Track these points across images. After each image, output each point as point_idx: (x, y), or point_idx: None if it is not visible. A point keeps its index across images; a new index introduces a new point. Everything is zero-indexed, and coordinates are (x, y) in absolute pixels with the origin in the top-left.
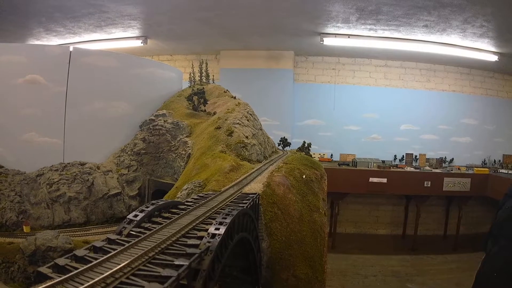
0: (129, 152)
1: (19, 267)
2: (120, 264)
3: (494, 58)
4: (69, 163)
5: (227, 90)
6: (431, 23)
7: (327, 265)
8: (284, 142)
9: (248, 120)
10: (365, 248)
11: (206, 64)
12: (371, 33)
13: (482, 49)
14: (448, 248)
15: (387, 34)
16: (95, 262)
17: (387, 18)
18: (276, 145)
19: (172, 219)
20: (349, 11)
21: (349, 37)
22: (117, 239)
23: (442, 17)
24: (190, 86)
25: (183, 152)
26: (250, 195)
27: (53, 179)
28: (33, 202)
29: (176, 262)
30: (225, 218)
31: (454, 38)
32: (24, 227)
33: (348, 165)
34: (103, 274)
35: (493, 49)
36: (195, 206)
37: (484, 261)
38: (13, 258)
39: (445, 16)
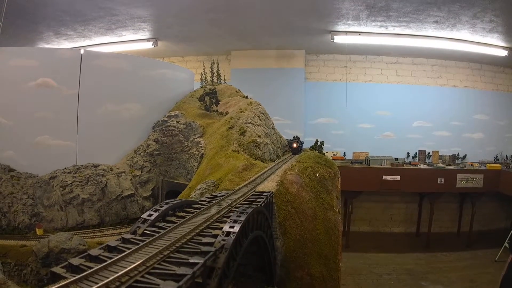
0: (142, 154)
1: (32, 269)
2: (134, 263)
3: (504, 53)
4: (82, 165)
5: (238, 90)
6: (441, 19)
7: (342, 264)
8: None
9: (260, 120)
10: (379, 247)
11: (217, 64)
12: (382, 30)
13: (492, 44)
14: (462, 245)
15: (397, 30)
16: (109, 261)
17: (397, 14)
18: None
19: (186, 218)
20: (359, 8)
21: (359, 34)
22: (132, 238)
23: (451, 12)
24: (201, 87)
25: (196, 152)
26: (264, 194)
27: (66, 181)
28: (46, 205)
29: (191, 260)
30: (240, 216)
31: (464, 33)
32: (37, 229)
33: (361, 163)
34: (117, 273)
35: (502, 44)
36: (209, 205)
37: (510, 264)
38: (26, 260)
39: (454, 12)
